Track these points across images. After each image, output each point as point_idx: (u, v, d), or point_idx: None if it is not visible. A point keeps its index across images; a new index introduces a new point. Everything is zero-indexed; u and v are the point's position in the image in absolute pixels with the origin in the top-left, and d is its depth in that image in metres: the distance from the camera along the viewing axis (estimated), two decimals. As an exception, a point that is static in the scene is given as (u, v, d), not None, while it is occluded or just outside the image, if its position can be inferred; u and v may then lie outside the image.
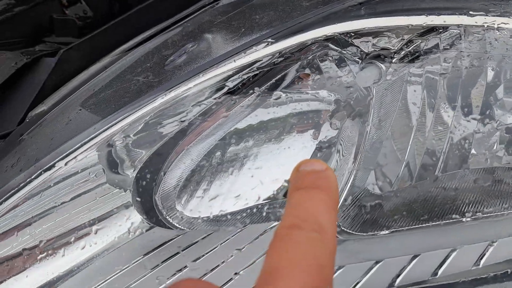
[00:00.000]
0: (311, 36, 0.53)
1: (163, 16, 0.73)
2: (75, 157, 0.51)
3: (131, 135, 0.51)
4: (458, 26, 0.53)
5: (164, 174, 0.50)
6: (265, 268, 0.26)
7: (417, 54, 0.53)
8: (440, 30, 0.53)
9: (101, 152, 0.51)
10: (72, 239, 0.49)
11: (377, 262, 0.49)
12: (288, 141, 0.51)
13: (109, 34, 0.78)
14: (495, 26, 0.53)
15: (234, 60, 0.52)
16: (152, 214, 0.49)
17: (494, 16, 0.53)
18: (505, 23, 0.52)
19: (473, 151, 0.50)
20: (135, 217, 0.49)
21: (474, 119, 0.51)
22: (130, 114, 0.51)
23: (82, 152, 0.51)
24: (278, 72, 0.53)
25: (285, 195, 0.47)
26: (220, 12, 0.65)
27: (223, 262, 0.48)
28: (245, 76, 0.52)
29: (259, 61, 0.52)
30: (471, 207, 0.50)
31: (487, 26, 0.53)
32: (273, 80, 0.52)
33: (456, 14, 0.54)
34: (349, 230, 0.50)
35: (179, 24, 0.70)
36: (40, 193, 0.50)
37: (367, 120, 0.51)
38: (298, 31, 0.54)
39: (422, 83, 0.52)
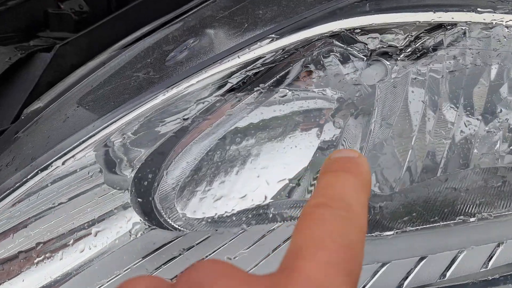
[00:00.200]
0: (317, 32, 0.52)
1: (162, 11, 0.72)
2: (73, 156, 0.49)
3: (130, 134, 0.50)
4: (466, 23, 0.52)
5: (165, 174, 0.49)
6: (290, 248, 0.26)
7: (424, 51, 0.52)
8: (448, 27, 0.52)
9: (99, 152, 0.49)
10: (70, 241, 0.48)
11: (383, 264, 0.48)
12: (291, 140, 0.50)
13: (107, 29, 0.77)
14: (504, 23, 0.52)
15: (238, 56, 0.51)
16: (153, 215, 0.48)
17: (502, 13, 0.53)
18: (514, 20, 0.52)
19: (478, 150, 0.49)
20: (135, 219, 0.48)
21: (479, 118, 0.50)
22: (131, 112, 0.50)
23: (80, 151, 0.49)
24: (282, 69, 0.52)
25: (289, 195, 0.46)
26: (222, 7, 0.64)
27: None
28: (249, 73, 0.51)
29: (263, 57, 0.51)
30: (479, 208, 0.49)
31: (495, 23, 0.52)
32: (277, 77, 0.51)
33: (463, 11, 0.53)
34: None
35: (179, 19, 0.68)
36: (37, 193, 0.49)
37: (371, 118, 0.50)
38: (303, 27, 0.53)
39: (426, 81, 0.51)
